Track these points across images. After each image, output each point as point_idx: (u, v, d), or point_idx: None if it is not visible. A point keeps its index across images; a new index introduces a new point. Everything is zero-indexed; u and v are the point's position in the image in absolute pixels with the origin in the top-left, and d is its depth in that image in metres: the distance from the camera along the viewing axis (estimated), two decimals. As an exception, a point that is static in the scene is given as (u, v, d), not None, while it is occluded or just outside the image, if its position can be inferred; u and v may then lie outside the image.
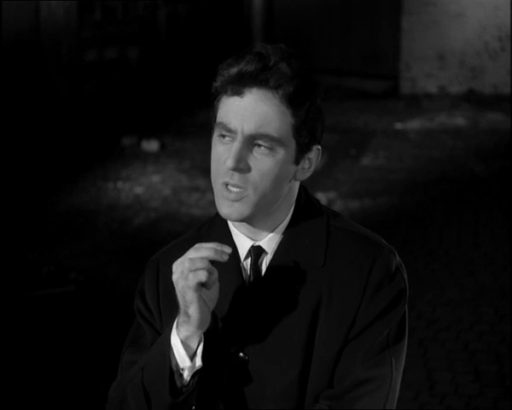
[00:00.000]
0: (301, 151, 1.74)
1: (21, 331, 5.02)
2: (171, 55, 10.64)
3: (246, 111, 1.68)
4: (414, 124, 9.95)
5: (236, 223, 1.79)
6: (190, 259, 1.65)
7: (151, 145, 8.94)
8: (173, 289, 1.79)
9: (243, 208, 1.71)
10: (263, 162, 1.70)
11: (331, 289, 1.75)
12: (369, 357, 1.73)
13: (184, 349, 1.68)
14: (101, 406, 4.32)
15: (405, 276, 1.79)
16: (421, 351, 4.71)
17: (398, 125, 9.88)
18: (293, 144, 1.72)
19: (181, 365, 1.69)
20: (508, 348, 4.75)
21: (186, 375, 1.69)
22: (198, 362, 1.69)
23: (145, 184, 7.80)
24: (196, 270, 1.65)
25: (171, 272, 1.82)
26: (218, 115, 1.73)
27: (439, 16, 11.36)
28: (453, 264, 5.92)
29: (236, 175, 1.69)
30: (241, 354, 1.75)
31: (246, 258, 1.80)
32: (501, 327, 5.00)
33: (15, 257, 6.06)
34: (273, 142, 1.69)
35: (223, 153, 1.71)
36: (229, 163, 1.68)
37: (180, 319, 1.69)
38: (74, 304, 5.36)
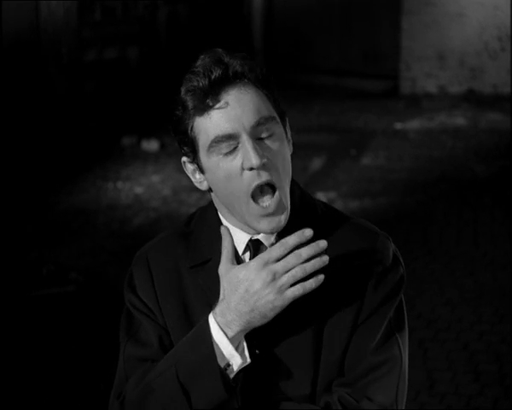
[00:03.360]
0: (283, 123, 1.77)
1: (21, 331, 5.02)
2: (171, 55, 10.64)
3: (236, 109, 1.68)
4: (414, 124, 9.95)
5: (231, 217, 1.78)
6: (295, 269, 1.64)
7: (151, 145, 8.94)
8: (170, 283, 1.80)
9: (284, 214, 1.73)
10: (275, 148, 1.72)
11: (334, 279, 1.76)
12: (378, 342, 1.76)
13: (233, 347, 1.68)
14: (101, 405, 4.33)
15: (402, 260, 1.83)
16: (421, 351, 4.72)
17: (398, 125, 9.88)
18: (278, 119, 1.75)
19: (230, 360, 1.68)
20: (508, 348, 4.75)
21: (235, 369, 1.69)
22: (248, 357, 1.69)
23: (145, 184, 7.81)
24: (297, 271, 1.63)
25: (163, 267, 1.83)
26: (202, 139, 1.71)
27: (439, 16, 11.36)
28: (453, 264, 5.92)
29: (263, 172, 1.69)
30: (253, 350, 1.75)
31: (244, 252, 1.79)
32: (501, 327, 5.00)
33: (15, 257, 6.06)
34: (272, 122, 1.72)
35: (232, 166, 1.70)
36: (256, 161, 1.67)
37: (235, 315, 1.67)
38: (74, 304, 5.36)
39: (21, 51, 8.55)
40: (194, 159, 1.76)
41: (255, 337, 1.74)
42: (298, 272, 1.62)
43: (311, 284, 1.63)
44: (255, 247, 1.78)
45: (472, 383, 4.43)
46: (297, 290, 1.63)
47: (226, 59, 1.71)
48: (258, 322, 1.67)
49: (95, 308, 5.32)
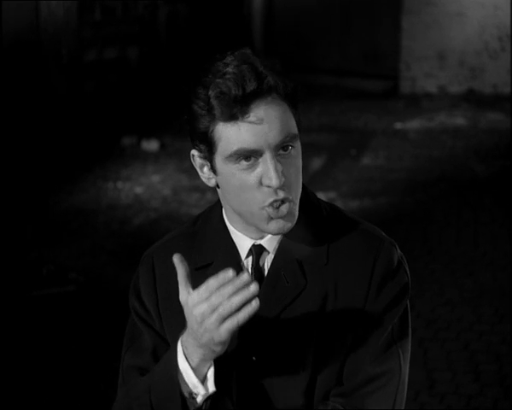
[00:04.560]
0: (300, 135, 1.75)
1: (21, 331, 5.02)
2: (171, 55, 10.64)
3: (263, 125, 1.64)
4: (414, 123, 9.95)
5: (235, 222, 1.77)
6: (222, 309, 1.57)
7: (151, 145, 8.94)
8: (172, 287, 1.77)
9: (293, 220, 1.71)
10: (294, 163, 1.69)
11: (336, 286, 1.75)
12: (378, 353, 1.74)
13: (196, 376, 1.65)
14: (101, 406, 4.33)
15: (407, 268, 1.79)
16: (421, 351, 4.72)
17: (398, 125, 9.88)
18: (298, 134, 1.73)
19: (193, 390, 1.66)
20: (508, 348, 4.74)
21: (199, 400, 1.66)
22: (211, 388, 1.66)
23: (145, 184, 7.81)
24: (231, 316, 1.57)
25: (167, 269, 1.81)
26: (222, 145, 1.67)
27: (439, 16, 11.36)
28: (453, 264, 5.92)
29: (280, 191, 1.67)
30: (250, 356, 1.74)
31: (246, 257, 1.78)
32: (501, 327, 5.00)
33: (15, 257, 6.06)
34: (295, 139, 1.69)
35: (249, 178, 1.67)
36: (275, 182, 1.64)
37: (192, 348, 1.64)
38: (74, 304, 5.36)
39: (21, 51, 8.54)
40: (207, 157, 1.73)
41: (252, 344, 1.73)
42: (224, 310, 1.57)
43: (244, 315, 1.56)
44: (258, 252, 1.77)
45: (472, 383, 4.43)
46: (230, 325, 1.57)
47: (260, 68, 1.66)
48: (211, 355, 1.62)
49: (95, 308, 5.31)
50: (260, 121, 1.64)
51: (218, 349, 1.61)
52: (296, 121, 1.71)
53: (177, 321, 1.79)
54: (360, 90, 11.56)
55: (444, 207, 7.07)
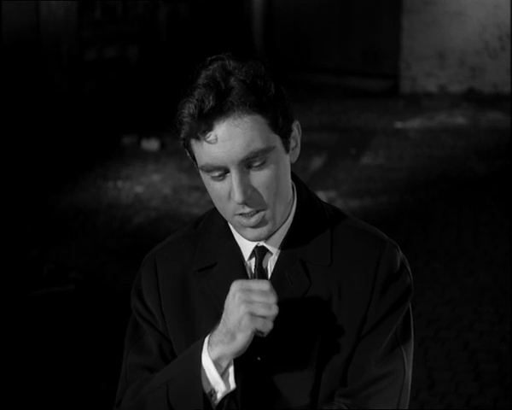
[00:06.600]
0: (286, 137, 1.72)
1: (21, 331, 5.02)
2: (171, 54, 10.64)
3: (225, 143, 1.64)
4: (414, 123, 9.95)
5: None
6: (266, 293, 1.64)
7: (151, 144, 8.94)
8: (174, 288, 1.79)
9: (268, 226, 1.72)
10: (264, 176, 1.68)
11: (340, 287, 1.75)
12: (382, 354, 1.74)
13: (217, 371, 1.66)
14: (101, 405, 4.33)
15: (409, 270, 1.80)
16: (422, 350, 4.72)
17: (399, 125, 9.87)
18: (277, 139, 1.69)
19: (214, 387, 1.67)
20: (508, 348, 4.75)
21: (219, 397, 1.68)
22: (232, 384, 1.67)
23: (145, 183, 7.81)
24: (270, 306, 1.63)
25: (170, 271, 1.82)
26: (196, 157, 1.71)
27: (439, 15, 11.35)
28: (453, 263, 5.92)
29: (246, 205, 1.68)
30: (254, 356, 1.74)
31: (250, 258, 1.78)
32: (501, 326, 5.00)
33: (15, 256, 6.06)
34: (264, 153, 1.67)
35: (221, 189, 1.69)
36: (238, 198, 1.66)
37: (217, 337, 1.66)
38: (74, 303, 5.36)
39: (21, 51, 8.54)
40: (193, 163, 1.76)
41: (257, 344, 1.72)
42: (260, 310, 1.63)
43: (264, 325, 1.63)
44: (261, 253, 1.77)
45: (472, 382, 4.43)
46: (259, 322, 1.63)
47: (226, 83, 1.64)
48: (230, 347, 1.65)
49: (95, 308, 5.32)
50: (221, 140, 1.64)
51: (241, 339, 1.63)
52: (273, 129, 1.68)
53: (179, 322, 1.80)
54: (360, 89, 11.56)
55: (444, 207, 7.07)
